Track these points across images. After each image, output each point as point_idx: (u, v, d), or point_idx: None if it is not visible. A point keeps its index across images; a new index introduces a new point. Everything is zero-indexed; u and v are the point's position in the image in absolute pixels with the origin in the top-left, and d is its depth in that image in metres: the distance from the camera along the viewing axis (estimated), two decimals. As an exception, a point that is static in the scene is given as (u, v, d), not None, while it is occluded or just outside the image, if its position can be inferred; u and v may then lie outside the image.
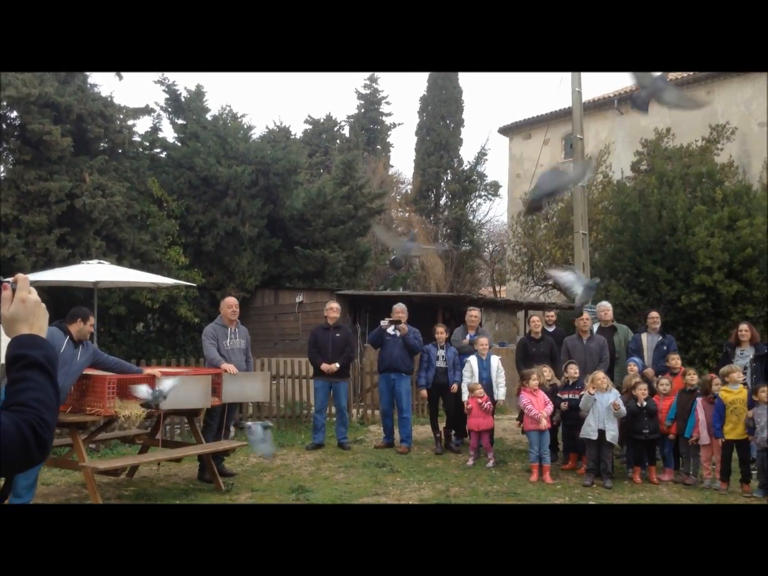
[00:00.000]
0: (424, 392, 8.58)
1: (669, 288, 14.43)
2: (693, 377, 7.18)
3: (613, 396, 6.97)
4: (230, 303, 7.28)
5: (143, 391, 5.54)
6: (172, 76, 15.97)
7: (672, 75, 21.48)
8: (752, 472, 6.79)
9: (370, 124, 29.25)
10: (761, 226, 13.85)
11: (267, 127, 21.92)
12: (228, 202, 14.28)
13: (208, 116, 16.08)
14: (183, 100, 15.96)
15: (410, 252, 5.06)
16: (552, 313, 9.38)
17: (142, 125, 54.79)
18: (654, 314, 8.40)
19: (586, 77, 28.18)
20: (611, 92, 22.88)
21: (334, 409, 8.97)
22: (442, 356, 8.49)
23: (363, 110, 29.45)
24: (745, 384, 7.20)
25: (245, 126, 16.80)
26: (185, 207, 14.39)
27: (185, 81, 55.51)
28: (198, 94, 16.18)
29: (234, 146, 14.89)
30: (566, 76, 13.82)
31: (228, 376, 6.65)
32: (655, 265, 14.65)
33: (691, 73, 20.52)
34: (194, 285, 12.78)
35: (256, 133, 17.80)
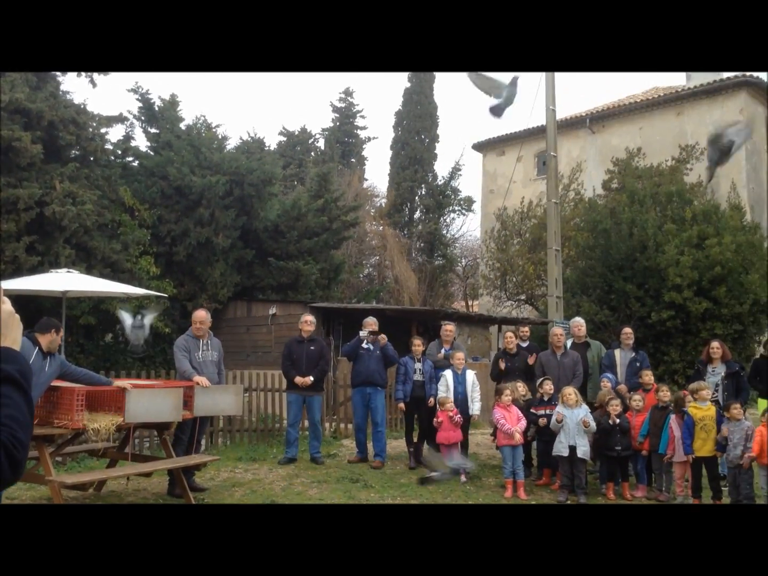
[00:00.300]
0: (402, 405, 8.51)
1: (639, 305, 14.61)
2: (666, 393, 7.22)
3: (583, 412, 6.99)
4: (196, 318, 7.09)
5: (126, 316, 5.40)
6: (146, 85, 15.89)
7: (642, 94, 21.87)
8: (723, 488, 6.85)
9: (345, 137, 29.33)
10: (729, 245, 14.11)
11: (241, 138, 21.91)
12: (201, 212, 14.14)
13: (182, 126, 15.96)
14: (157, 109, 15.84)
15: (511, 102, 5.01)
16: (526, 328, 9.43)
17: (114, 133, 54.21)
18: (627, 330, 8.46)
19: (559, 96, 28.57)
20: (583, 111, 23.23)
21: (307, 423, 8.87)
22: (419, 369, 8.44)
23: (338, 123, 29.52)
24: (716, 402, 7.28)
25: (220, 136, 16.76)
26: (157, 216, 14.21)
27: (159, 90, 55.17)
28: (172, 103, 16.07)
29: (208, 156, 14.78)
30: (540, 94, 13.98)
31: (200, 388, 6.53)
32: (626, 282, 14.83)
33: (662, 93, 20.92)
34: (165, 296, 12.58)
35: (231, 144, 17.75)
